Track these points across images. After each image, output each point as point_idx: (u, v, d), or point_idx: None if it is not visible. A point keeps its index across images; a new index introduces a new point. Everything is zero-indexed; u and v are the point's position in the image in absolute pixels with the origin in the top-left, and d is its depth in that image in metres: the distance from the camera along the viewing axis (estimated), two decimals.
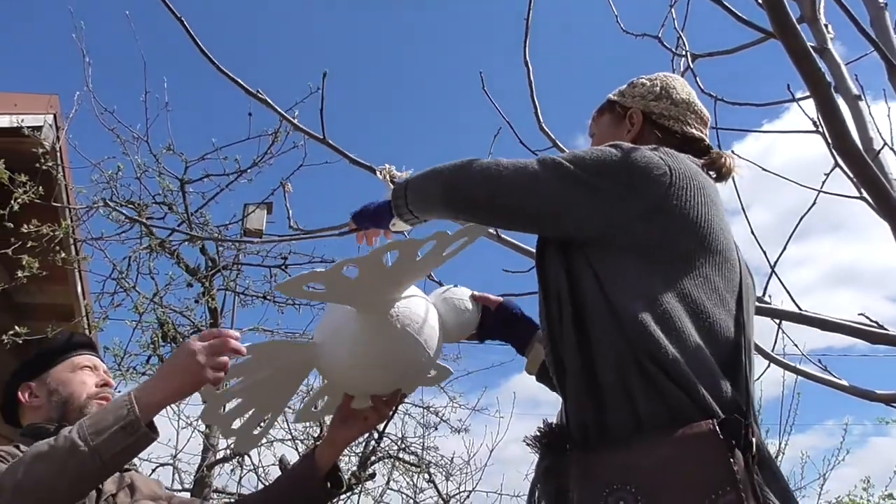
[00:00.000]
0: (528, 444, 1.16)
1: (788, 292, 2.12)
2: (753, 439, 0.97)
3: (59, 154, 5.05)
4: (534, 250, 2.50)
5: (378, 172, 1.68)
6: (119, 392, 1.61)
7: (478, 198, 1.21)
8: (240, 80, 2.27)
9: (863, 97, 2.10)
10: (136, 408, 1.18)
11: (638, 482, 0.95)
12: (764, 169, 2.30)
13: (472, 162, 1.22)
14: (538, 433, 1.15)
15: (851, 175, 1.84)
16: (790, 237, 2.23)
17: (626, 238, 1.14)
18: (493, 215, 1.26)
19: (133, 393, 1.22)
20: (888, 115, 2.12)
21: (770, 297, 2.13)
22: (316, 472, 1.46)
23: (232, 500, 6.17)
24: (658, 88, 1.42)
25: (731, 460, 0.93)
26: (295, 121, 2.44)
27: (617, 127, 1.44)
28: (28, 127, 4.74)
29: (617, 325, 1.07)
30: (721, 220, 1.21)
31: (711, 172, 1.34)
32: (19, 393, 1.57)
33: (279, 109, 2.39)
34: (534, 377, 1.48)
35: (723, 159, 1.36)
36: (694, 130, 1.40)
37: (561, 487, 1.05)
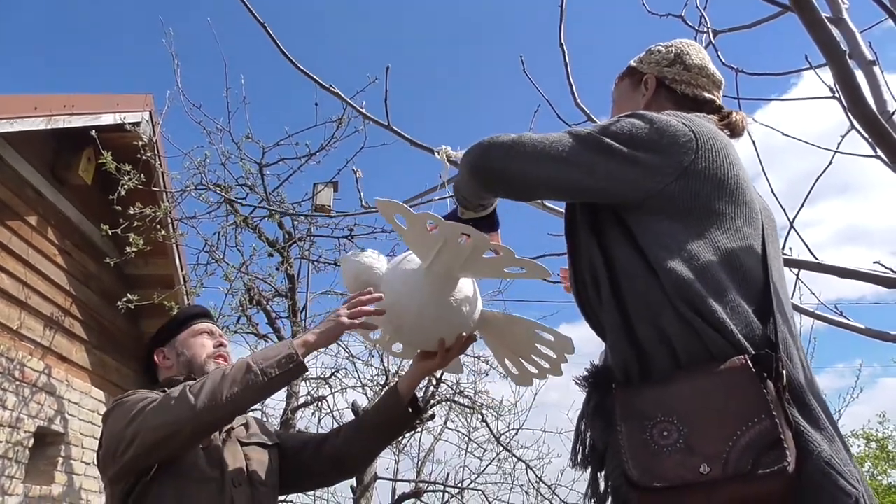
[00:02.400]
0: (577, 384, 1.14)
1: (806, 244, 2.07)
2: (784, 372, 0.94)
3: (155, 145, 5.19)
4: None
5: (436, 153, 1.69)
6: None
7: (511, 171, 1.14)
8: (315, 76, 2.30)
9: (877, 62, 2.01)
10: (294, 346, 1.44)
11: (679, 414, 0.93)
12: (784, 133, 2.23)
13: (506, 141, 1.14)
14: (585, 373, 1.13)
15: (867, 135, 1.77)
16: (808, 194, 2.16)
17: (661, 202, 1.09)
18: (533, 190, 1.19)
19: (292, 339, 1.47)
20: None
21: (790, 249, 2.08)
22: (400, 399, 1.60)
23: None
24: (672, 55, 1.37)
25: (764, 391, 0.91)
26: (363, 109, 2.47)
27: (634, 91, 1.40)
28: (129, 123, 4.88)
29: (655, 281, 1.04)
30: (743, 172, 1.17)
31: (725, 130, 1.29)
32: (155, 356, 1.71)
33: (349, 101, 2.42)
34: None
35: (734, 116, 1.32)
36: (706, 93, 1.35)
37: (609, 423, 1.03)
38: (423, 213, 1.33)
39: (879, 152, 1.86)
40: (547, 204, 2.25)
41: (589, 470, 1.07)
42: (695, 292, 1.00)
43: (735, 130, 1.32)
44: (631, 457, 0.94)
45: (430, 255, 1.36)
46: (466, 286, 1.46)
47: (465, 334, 1.51)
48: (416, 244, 1.39)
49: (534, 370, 1.59)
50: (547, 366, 1.56)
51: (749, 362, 0.94)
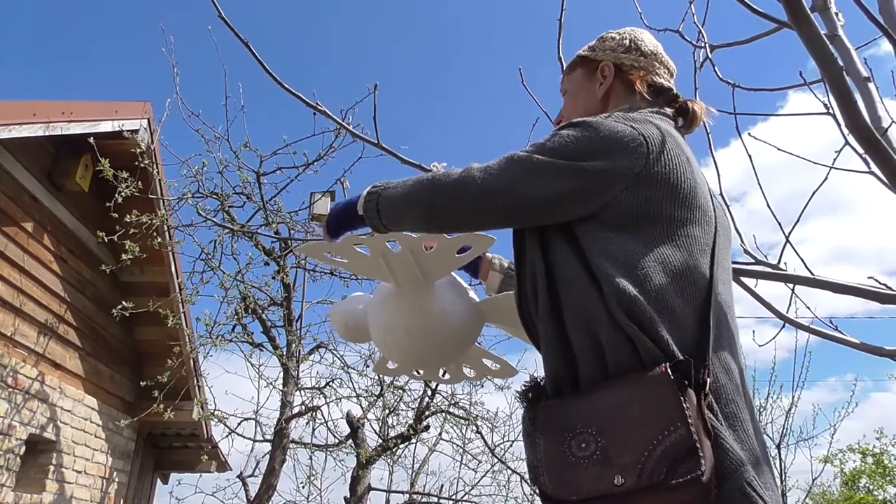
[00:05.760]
0: (516, 398, 1.11)
1: (802, 259, 2.08)
2: (708, 380, 0.91)
3: (153, 153, 5.19)
4: None
5: (433, 168, 1.69)
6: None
7: (463, 211, 1.10)
8: (301, 95, 2.31)
9: (872, 79, 2.03)
10: None
11: (598, 425, 0.90)
12: (780, 149, 2.24)
13: (446, 178, 1.11)
14: (522, 388, 1.08)
15: (862, 151, 1.78)
16: (804, 209, 2.17)
17: (611, 211, 1.03)
18: (481, 224, 1.13)
19: None
20: None
21: (785, 264, 2.08)
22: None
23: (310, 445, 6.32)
24: (627, 41, 1.31)
25: (682, 399, 0.86)
26: (356, 125, 2.49)
27: (589, 80, 1.33)
28: (127, 130, 4.88)
29: (595, 289, 0.99)
30: (699, 175, 1.12)
31: (680, 119, 1.26)
32: None
33: (337, 119, 2.45)
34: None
35: (691, 106, 1.28)
36: (663, 80, 1.30)
37: (532, 434, 0.98)
38: (345, 240, 1.30)
39: (873, 168, 1.88)
40: None
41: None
42: (635, 300, 0.95)
43: (693, 121, 1.28)
44: (546, 470, 0.92)
45: (388, 275, 1.32)
46: (446, 288, 1.39)
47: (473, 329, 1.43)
48: (368, 270, 1.35)
49: None
50: None
51: (669, 370, 0.89)
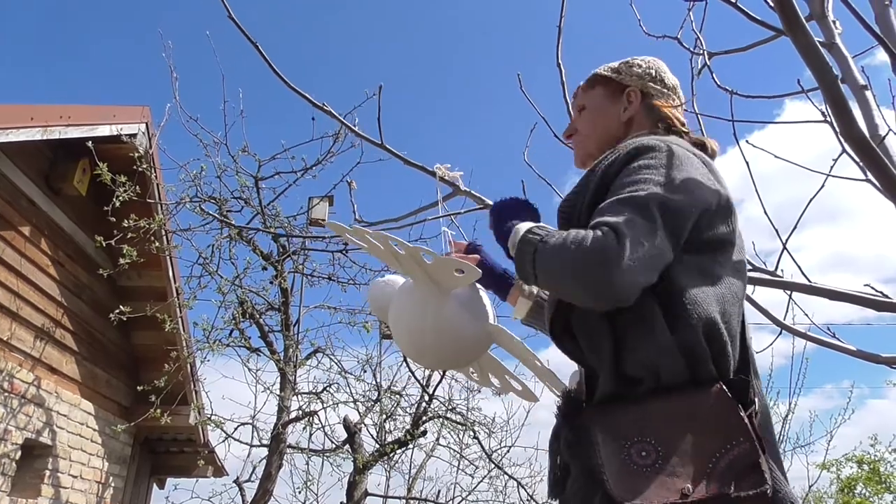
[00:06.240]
0: (555, 414, 1.11)
1: (799, 266, 2.08)
2: (756, 400, 0.96)
3: (151, 157, 5.19)
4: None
5: (436, 170, 1.69)
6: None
7: (631, 285, 0.97)
8: (307, 95, 2.31)
9: (869, 87, 2.04)
10: None
11: (657, 435, 0.92)
12: (777, 156, 2.25)
13: (616, 252, 0.95)
14: (561, 400, 1.09)
15: (858, 160, 1.79)
16: (801, 215, 2.17)
17: (690, 237, 1.04)
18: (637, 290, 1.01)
19: None
20: (892, 103, 2.05)
21: (782, 271, 2.09)
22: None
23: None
24: (653, 71, 1.34)
25: (742, 415, 0.91)
26: (355, 128, 2.49)
27: (612, 102, 1.34)
28: (125, 135, 4.88)
29: (663, 303, 0.99)
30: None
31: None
32: None
33: (342, 119, 2.44)
34: (520, 321, 1.45)
35: (709, 144, 1.30)
36: (680, 115, 1.33)
37: (583, 439, 0.99)
38: (382, 235, 1.27)
39: (870, 176, 1.88)
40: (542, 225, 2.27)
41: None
42: (712, 321, 0.98)
43: (713, 157, 1.29)
44: (610, 474, 0.92)
45: (412, 272, 1.32)
46: (462, 301, 1.36)
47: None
48: (392, 261, 1.35)
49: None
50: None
51: (724, 388, 0.94)
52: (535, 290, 1.48)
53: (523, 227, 1.11)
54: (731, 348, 1.00)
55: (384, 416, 6.68)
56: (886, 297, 1.86)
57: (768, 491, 0.85)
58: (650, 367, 0.98)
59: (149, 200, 5.03)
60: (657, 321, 0.99)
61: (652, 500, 0.88)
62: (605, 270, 0.93)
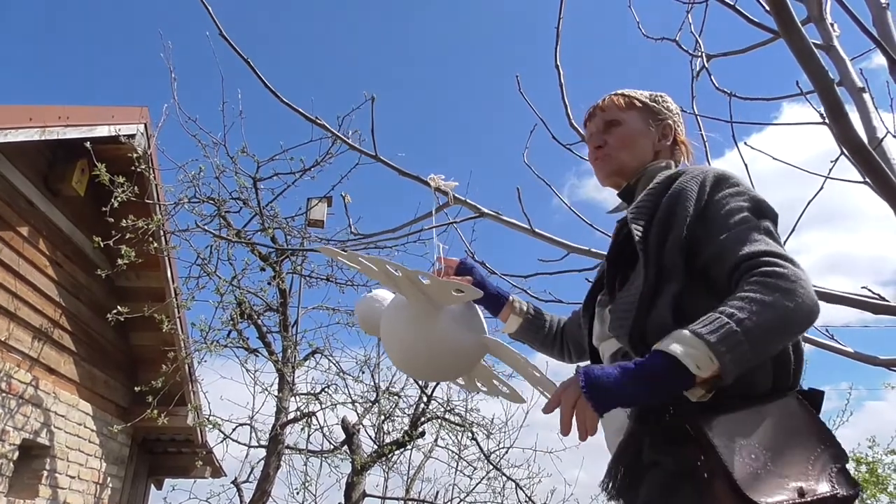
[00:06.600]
0: (628, 416, 1.11)
1: None
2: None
3: (150, 158, 5.19)
4: (566, 242, 2.47)
5: (430, 181, 1.70)
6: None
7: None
8: (300, 109, 2.34)
9: (867, 89, 2.04)
10: None
11: (758, 440, 0.98)
12: (775, 158, 2.25)
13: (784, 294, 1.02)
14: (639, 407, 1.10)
15: (855, 162, 1.79)
16: (800, 217, 2.17)
17: None
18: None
19: None
20: (890, 105, 2.05)
21: None
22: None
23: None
24: (674, 107, 1.45)
25: (822, 421, 1.01)
26: (352, 133, 2.50)
27: (646, 130, 1.40)
28: (124, 135, 4.88)
29: None
30: None
31: None
32: None
33: (335, 132, 2.47)
34: (509, 336, 1.54)
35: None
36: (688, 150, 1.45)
37: (680, 444, 1.01)
38: (377, 259, 1.31)
39: (867, 179, 1.88)
40: (537, 230, 2.29)
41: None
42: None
43: None
44: (738, 474, 0.94)
45: (409, 292, 1.34)
46: (455, 316, 1.39)
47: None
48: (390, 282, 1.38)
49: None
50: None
51: (803, 396, 1.04)
52: (525, 307, 1.56)
53: (696, 350, 0.99)
54: (793, 355, 1.08)
55: (382, 417, 6.68)
56: (884, 299, 1.87)
57: (860, 493, 0.94)
58: (744, 377, 1.03)
59: (147, 201, 5.02)
60: None
61: (777, 498, 0.92)
62: (809, 293, 1.04)
